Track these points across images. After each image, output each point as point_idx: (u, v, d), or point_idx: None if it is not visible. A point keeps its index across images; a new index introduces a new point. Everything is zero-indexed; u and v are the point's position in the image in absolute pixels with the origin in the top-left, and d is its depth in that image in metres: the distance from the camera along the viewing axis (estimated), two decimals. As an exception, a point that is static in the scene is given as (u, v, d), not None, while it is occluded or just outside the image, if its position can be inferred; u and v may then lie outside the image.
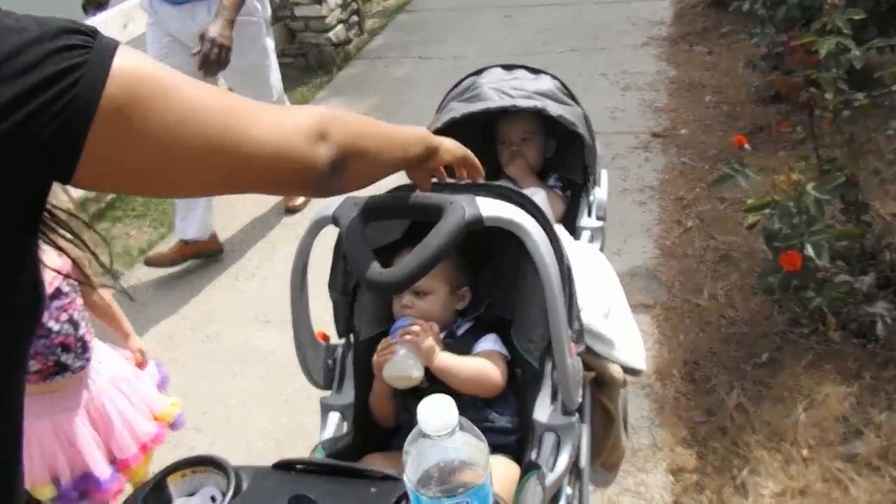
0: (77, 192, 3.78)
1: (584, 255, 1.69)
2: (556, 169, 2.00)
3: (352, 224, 1.11)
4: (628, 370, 1.68)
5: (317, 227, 1.22)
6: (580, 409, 1.59)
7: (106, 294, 1.96)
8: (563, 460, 1.26)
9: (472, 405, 1.34)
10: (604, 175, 2.00)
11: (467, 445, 0.67)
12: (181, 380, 2.76)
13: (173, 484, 0.85)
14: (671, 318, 2.66)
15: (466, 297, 1.44)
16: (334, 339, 1.46)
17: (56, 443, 1.78)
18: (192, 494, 0.86)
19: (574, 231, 1.88)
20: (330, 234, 1.35)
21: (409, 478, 0.66)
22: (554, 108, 1.75)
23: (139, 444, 1.92)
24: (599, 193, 1.92)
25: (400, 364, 1.30)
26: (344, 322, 1.44)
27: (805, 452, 2.05)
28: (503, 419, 1.34)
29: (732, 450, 2.12)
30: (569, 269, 1.36)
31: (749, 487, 2.02)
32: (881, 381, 2.20)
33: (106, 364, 1.90)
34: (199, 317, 3.16)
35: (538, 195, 1.76)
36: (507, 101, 1.75)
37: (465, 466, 0.67)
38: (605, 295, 1.59)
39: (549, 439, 1.26)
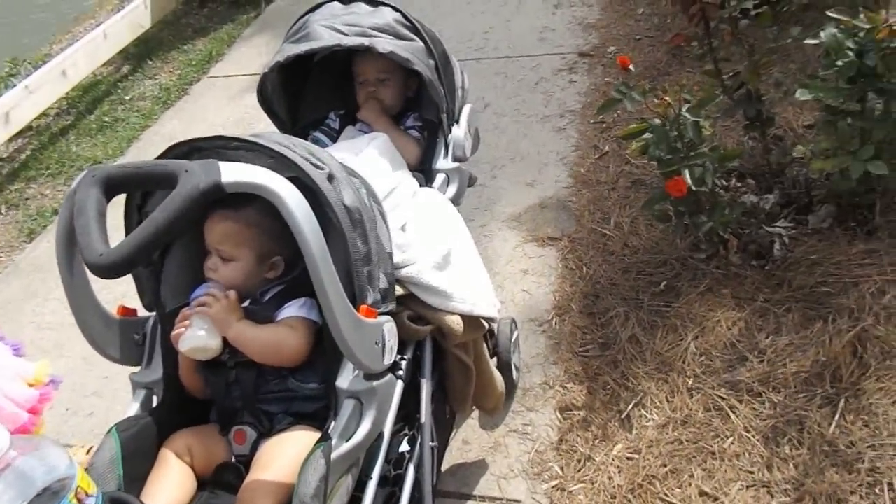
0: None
1: (422, 202, 1.59)
2: (417, 108, 1.89)
3: (84, 198, 1.02)
4: (483, 318, 1.62)
5: (67, 200, 1.13)
6: (419, 365, 1.55)
7: None
8: (365, 427, 1.21)
9: (275, 374, 1.28)
10: (465, 111, 1.88)
11: (39, 474, 0.61)
12: (84, 345, 2.71)
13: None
14: (577, 251, 2.59)
15: (278, 267, 1.35)
16: (142, 313, 1.39)
17: None
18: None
19: (430, 174, 1.79)
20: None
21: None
22: (384, 45, 1.62)
23: (25, 409, 1.85)
24: (457, 132, 1.81)
25: (192, 338, 1.24)
26: (150, 295, 1.37)
27: (690, 382, 2.02)
28: (307, 387, 1.28)
29: (622, 383, 2.10)
30: (373, 224, 1.27)
31: (634, 420, 2.00)
32: (772, 303, 2.15)
33: None
34: (109, 284, 3.08)
35: (376, 140, 1.67)
36: (333, 40, 1.62)
37: (46, 497, 0.61)
38: (440, 245, 1.51)
39: (348, 406, 1.21)
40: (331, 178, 1.21)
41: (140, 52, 4.82)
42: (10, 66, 4.77)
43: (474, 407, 1.86)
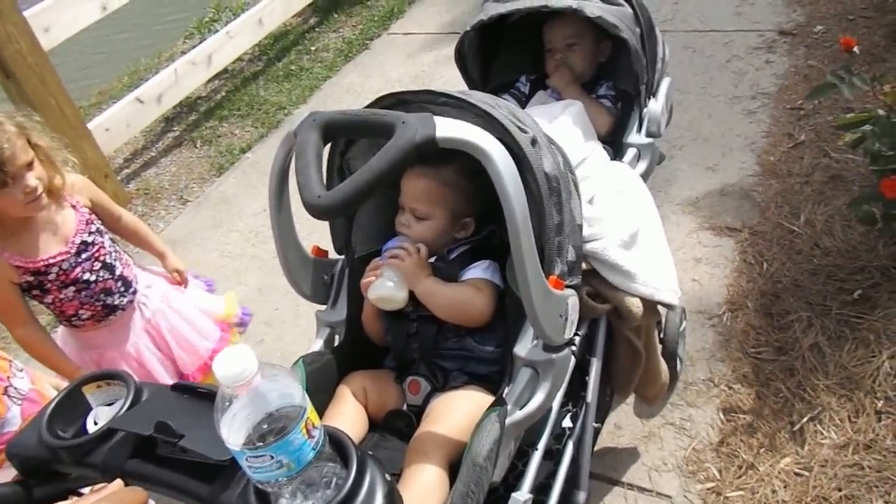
0: (189, 90, 3.97)
1: (613, 177, 1.53)
2: (611, 76, 1.81)
3: (304, 141, 1.06)
4: (661, 304, 1.55)
5: (286, 141, 1.18)
6: (591, 344, 1.51)
7: (130, 218, 2.00)
8: (539, 398, 1.19)
9: (455, 332, 1.29)
10: (664, 85, 1.78)
11: (273, 397, 0.63)
12: (260, 276, 2.92)
13: (90, 394, 0.89)
14: (758, 245, 2.41)
15: (469, 228, 1.36)
16: (333, 255, 1.44)
17: (127, 368, 1.88)
18: (110, 404, 0.90)
19: (619, 148, 1.71)
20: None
21: (218, 427, 0.64)
22: (592, 9, 1.55)
23: (201, 358, 2.02)
24: (653, 106, 1.71)
25: (383, 286, 1.27)
26: (341, 239, 1.42)
27: (880, 404, 1.83)
28: (484, 350, 1.28)
29: (797, 393, 1.94)
30: (568, 194, 1.23)
31: (807, 435, 1.85)
32: None
33: (155, 287, 1.97)
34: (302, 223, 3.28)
35: (571, 108, 1.61)
36: (540, 1, 1.57)
37: (276, 418, 0.64)
38: (629, 223, 1.44)
39: (524, 374, 1.19)
40: (534, 142, 1.18)
41: (327, 5, 5.02)
42: (213, 13, 5.15)
43: (633, 393, 1.80)
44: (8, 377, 1.53)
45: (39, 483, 0.85)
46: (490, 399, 1.21)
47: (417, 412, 1.27)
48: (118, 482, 0.71)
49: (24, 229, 1.70)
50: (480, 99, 1.19)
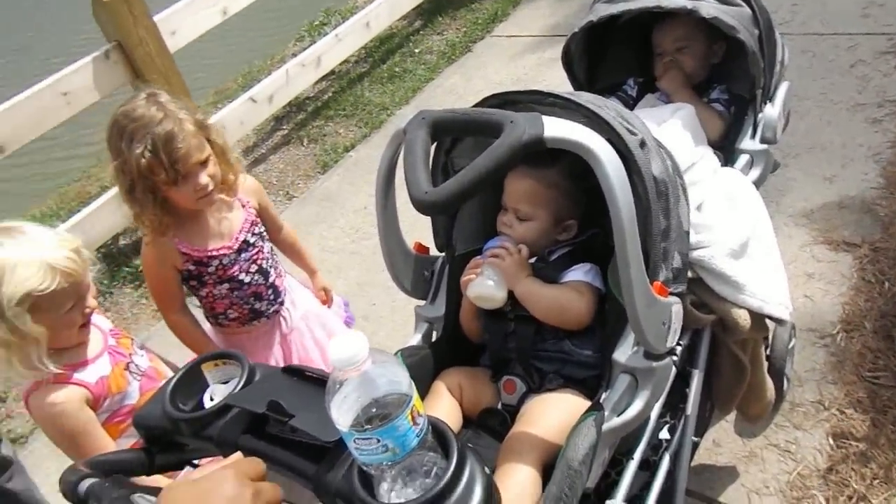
0: (299, 90, 4.13)
1: (723, 183, 1.47)
2: (725, 79, 1.74)
3: (413, 138, 1.08)
4: (770, 318, 1.48)
5: (395, 138, 1.21)
6: (693, 355, 1.46)
7: (289, 232, 2.05)
8: (637, 406, 1.17)
9: (553, 334, 1.28)
10: (782, 89, 1.70)
11: (382, 382, 0.65)
12: (359, 271, 3.01)
13: (207, 371, 0.95)
14: (879, 262, 2.26)
15: (571, 230, 1.35)
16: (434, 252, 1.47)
17: None
18: (225, 383, 0.96)
19: (731, 154, 1.65)
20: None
21: (328, 408, 0.66)
22: (708, 9, 1.49)
23: None
24: (770, 111, 1.64)
25: (482, 285, 1.28)
26: (443, 236, 1.44)
27: None
28: (582, 353, 1.27)
29: (919, 423, 1.80)
30: (676, 199, 1.20)
31: (929, 469, 1.71)
32: None
33: (298, 303, 2.00)
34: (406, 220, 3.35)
35: (681, 111, 1.57)
36: (652, 1, 1.53)
37: (382, 403, 0.65)
38: (739, 231, 1.38)
39: (623, 381, 1.17)
40: (642, 144, 1.16)
41: (432, 8, 5.10)
42: (323, 17, 5.34)
43: (735, 409, 1.73)
44: (130, 354, 1.64)
45: (161, 451, 0.91)
46: (586, 404, 1.19)
47: (511, 412, 1.27)
48: (238, 454, 0.75)
49: (194, 220, 1.75)
50: (588, 100, 1.18)
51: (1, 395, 2.95)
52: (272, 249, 1.94)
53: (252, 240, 1.82)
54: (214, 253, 1.76)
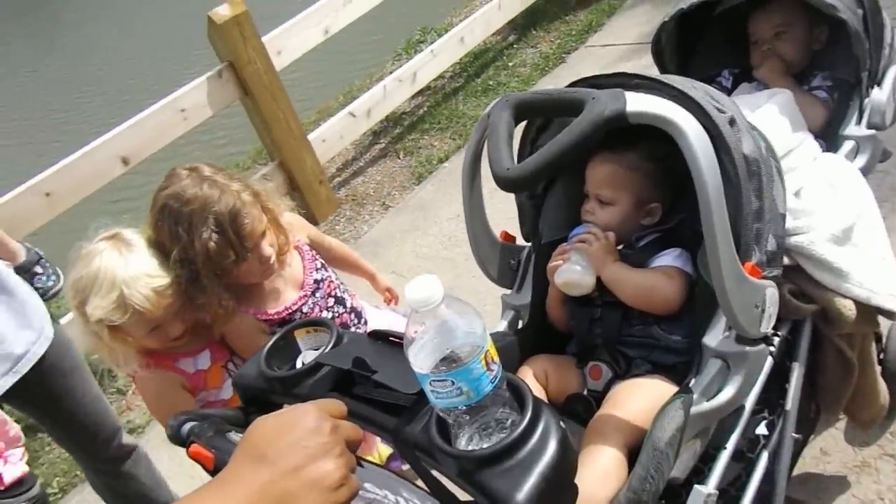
0: (395, 105, 4.27)
1: (824, 169, 1.41)
2: (828, 66, 1.66)
3: (497, 119, 1.11)
4: (880, 311, 1.39)
5: (480, 123, 1.24)
6: (793, 348, 1.39)
7: (338, 245, 1.98)
8: (729, 391, 1.13)
9: (640, 319, 1.27)
10: (891, 72, 1.60)
11: (459, 332, 0.67)
12: (451, 277, 3.05)
13: (300, 338, 1.00)
14: None
15: (655, 214, 1.33)
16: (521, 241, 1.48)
17: None
18: (316, 349, 1.01)
19: (835, 141, 1.57)
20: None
21: (406, 346, 0.69)
22: (806, -12, 1.44)
23: None
24: (877, 95, 1.55)
25: (569, 271, 1.28)
26: (529, 225, 1.45)
27: None
28: (670, 339, 1.24)
29: None
30: (769, 180, 1.16)
31: None
32: None
33: (371, 322, 1.91)
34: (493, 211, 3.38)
35: (778, 96, 1.52)
36: (745, -16, 1.49)
37: (457, 347, 0.67)
38: (842, 217, 1.32)
39: (713, 366, 1.14)
40: (732, 122, 1.13)
41: (526, 22, 5.14)
42: (419, 34, 5.50)
43: (843, 415, 1.63)
44: (230, 353, 1.73)
45: (257, 411, 0.97)
46: (674, 389, 1.17)
47: (597, 398, 1.26)
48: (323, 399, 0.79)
49: (260, 285, 1.66)
50: (675, 79, 1.17)
51: (121, 389, 3.19)
52: (335, 273, 1.85)
53: (320, 276, 1.75)
54: (293, 307, 1.68)
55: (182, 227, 1.45)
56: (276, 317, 1.65)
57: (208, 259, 1.47)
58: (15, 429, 1.26)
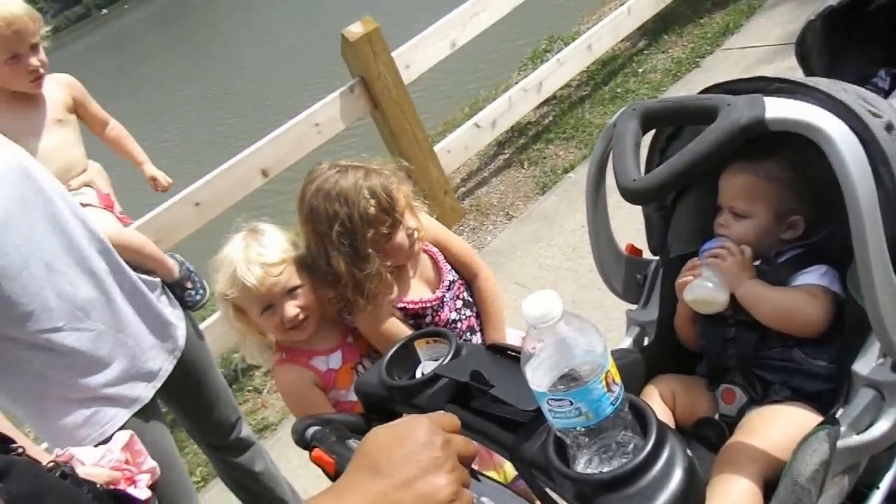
0: (520, 115, 4.27)
1: None
2: None
3: (623, 129, 1.07)
4: None
5: (605, 133, 1.20)
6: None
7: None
8: (883, 425, 1.02)
9: (780, 342, 1.17)
10: None
11: (578, 350, 0.65)
12: (574, 289, 2.99)
13: (420, 348, 1.01)
14: None
15: (797, 227, 1.23)
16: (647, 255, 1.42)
17: None
18: (435, 360, 1.01)
19: None
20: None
21: (522, 362, 0.68)
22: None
23: None
24: None
25: (700, 288, 1.21)
26: (657, 238, 1.39)
27: None
28: (814, 363, 1.14)
29: None
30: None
31: None
32: None
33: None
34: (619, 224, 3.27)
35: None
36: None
37: (576, 366, 0.65)
38: None
39: (865, 396, 1.03)
40: (889, 128, 1.03)
41: (657, 27, 4.97)
42: (546, 44, 5.47)
43: None
44: (362, 356, 1.79)
45: (378, 418, 0.99)
46: (817, 419, 1.07)
47: (730, 423, 1.18)
48: (439, 412, 0.80)
49: (400, 272, 1.66)
50: (822, 83, 1.08)
51: (258, 388, 3.39)
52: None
53: (452, 277, 1.72)
54: (427, 304, 1.67)
55: (339, 202, 1.50)
56: (411, 306, 1.66)
57: (369, 225, 1.50)
58: (151, 464, 1.36)
